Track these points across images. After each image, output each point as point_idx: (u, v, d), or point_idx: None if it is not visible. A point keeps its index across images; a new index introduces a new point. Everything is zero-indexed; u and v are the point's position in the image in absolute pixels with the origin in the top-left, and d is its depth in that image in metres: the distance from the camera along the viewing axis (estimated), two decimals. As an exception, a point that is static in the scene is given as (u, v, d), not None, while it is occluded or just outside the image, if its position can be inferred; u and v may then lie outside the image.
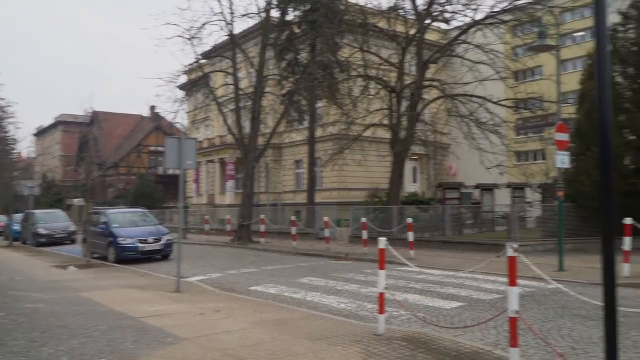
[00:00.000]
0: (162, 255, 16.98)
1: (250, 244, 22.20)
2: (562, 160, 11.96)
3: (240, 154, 25.55)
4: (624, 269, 10.48)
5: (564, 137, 12.02)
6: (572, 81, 22.71)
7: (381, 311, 6.31)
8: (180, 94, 25.99)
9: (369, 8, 22.37)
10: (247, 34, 30.07)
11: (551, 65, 20.70)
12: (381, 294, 6.38)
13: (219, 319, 7.45)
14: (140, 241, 16.50)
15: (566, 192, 14.08)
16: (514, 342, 4.79)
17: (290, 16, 25.67)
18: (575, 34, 32.10)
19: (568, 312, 7.74)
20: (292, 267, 14.34)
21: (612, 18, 17.53)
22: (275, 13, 24.84)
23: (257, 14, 23.55)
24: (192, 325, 7.02)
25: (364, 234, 17.52)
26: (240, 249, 21.21)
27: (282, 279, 11.92)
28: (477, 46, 20.70)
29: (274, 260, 16.27)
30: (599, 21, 3.52)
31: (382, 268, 6.43)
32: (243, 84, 28.63)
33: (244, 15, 23.48)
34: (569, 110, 19.40)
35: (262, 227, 22.77)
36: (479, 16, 20.74)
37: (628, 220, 10.91)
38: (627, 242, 10.70)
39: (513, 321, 4.78)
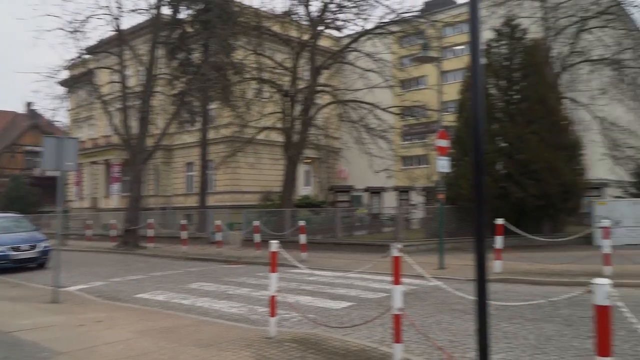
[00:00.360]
0: (38, 263, 15.67)
1: (138, 249, 21.24)
2: (443, 165, 12.76)
3: (128, 156, 24.36)
4: (496, 266, 11.38)
5: (444, 143, 12.82)
6: (452, 91, 24.31)
7: (272, 314, 6.32)
8: (61, 90, 24.20)
9: (264, 11, 22.41)
10: (137, 30, 28.75)
11: (434, 75, 22.06)
12: (272, 296, 6.39)
13: (101, 329, 7.03)
14: (13, 249, 15.12)
15: (447, 195, 15.01)
16: (397, 338, 5.02)
17: (182, 15, 24.94)
18: (455, 48, 34.50)
19: (447, 307, 8.26)
20: (181, 273, 13.91)
21: (487, 34, 19.08)
22: (166, 10, 24.06)
23: (147, 10, 22.65)
24: (71, 338, 6.56)
25: (257, 237, 17.46)
26: (126, 255, 20.20)
27: (171, 285, 11.52)
28: (367, 54, 21.54)
29: (163, 266, 15.69)
30: (474, 37, 3.81)
31: (273, 271, 6.45)
32: (131, 82, 27.32)
33: (132, 10, 22.47)
34: (449, 119, 20.75)
35: (151, 232, 21.88)
36: (369, 26, 21.66)
37: (500, 221, 11.84)
38: (498, 241, 11.63)
39: (397, 318, 5.01)
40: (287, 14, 22.13)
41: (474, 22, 3.84)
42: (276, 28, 22.52)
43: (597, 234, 14.49)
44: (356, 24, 22.01)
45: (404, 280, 5.76)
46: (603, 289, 3.20)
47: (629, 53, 22.46)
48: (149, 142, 23.90)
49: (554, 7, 22.04)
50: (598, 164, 24.51)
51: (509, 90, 17.89)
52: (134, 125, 23.18)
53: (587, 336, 6.30)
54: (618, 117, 26.67)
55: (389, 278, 5.44)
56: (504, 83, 17.99)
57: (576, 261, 12.20)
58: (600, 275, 9.76)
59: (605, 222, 11.12)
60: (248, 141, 22.97)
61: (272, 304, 6.36)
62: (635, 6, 22.04)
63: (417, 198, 26.97)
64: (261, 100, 22.53)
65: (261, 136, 23.50)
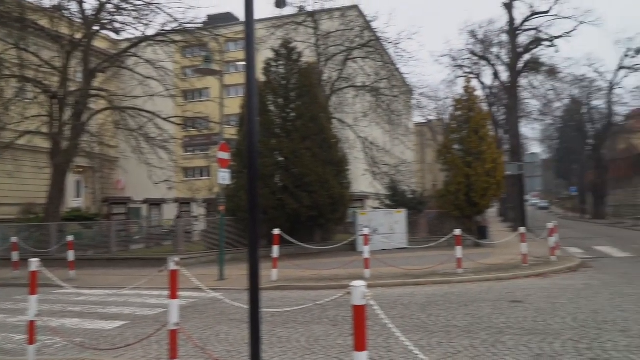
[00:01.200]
0: None
1: None
2: (224, 177, 12.96)
3: None
4: (273, 274, 11.94)
5: (225, 156, 13.04)
6: (234, 105, 24.88)
7: (31, 341, 5.67)
8: None
9: (29, 2, 20.00)
10: None
11: (216, 88, 22.30)
12: (31, 322, 5.73)
13: None
14: None
15: (227, 207, 15.26)
16: (173, 354, 4.95)
17: None
18: (238, 63, 35.46)
19: (226, 318, 8.39)
20: None
21: (267, 53, 20.08)
22: None
23: None
24: None
25: (15, 256, 15.37)
26: None
27: None
28: (147, 61, 20.78)
29: None
30: (249, 55, 4.02)
31: (33, 293, 5.80)
32: None
33: None
34: (231, 132, 21.23)
35: None
36: (150, 32, 20.89)
37: (276, 231, 12.47)
38: (275, 250, 12.23)
39: (173, 334, 4.95)
40: (58, 8, 20.11)
41: (249, 41, 4.04)
42: (44, 22, 20.27)
43: (359, 241, 16.27)
44: (136, 29, 21.04)
45: (184, 293, 5.73)
46: (359, 290, 3.60)
47: (384, 82, 25.91)
48: None
49: (325, 35, 24.33)
50: (361, 179, 27.58)
51: (286, 108, 18.99)
52: None
53: (350, 334, 7.02)
54: (376, 137, 30.54)
55: (167, 292, 5.34)
56: (282, 101, 19.06)
57: (342, 266, 13.48)
58: (361, 278, 10.97)
59: (365, 230, 12.56)
60: (6, 146, 20.09)
61: (31, 329, 5.70)
62: (390, 42, 25.56)
63: (198, 210, 26.75)
64: (23, 100, 19.99)
65: (22, 141, 20.80)
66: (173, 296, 5.04)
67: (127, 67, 21.80)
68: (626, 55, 38.69)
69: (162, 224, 23.03)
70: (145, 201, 24.70)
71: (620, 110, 42.92)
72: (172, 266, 5.12)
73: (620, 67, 39.35)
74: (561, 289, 9.72)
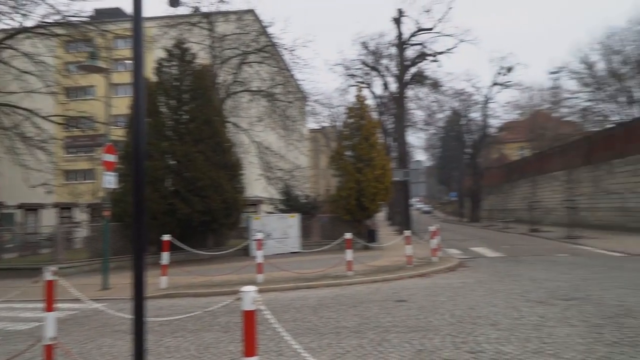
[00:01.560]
0: None
1: None
2: (110, 180, 12.31)
3: None
4: (162, 282, 11.54)
5: (111, 158, 12.39)
6: (123, 105, 23.74)
7: None
8: None
9: None
10: None
11: (103, 87, 21.17)
12: None
13: None
14: None
15: (114, 212, 14.51)
16: (50, 370, 4.63)
17: None
18: (126, 61, 33.86)
19: (110, 329, 7.97)
20: None
21: (159, 53, 19.42)
22: None
23: None
24: None
25: None
26: None
27: None
28: (25, 54, 19.27)
29: None
30: (137, 53, 3.87)
31: None
32: None
33: None
34: (119, 133, 20.20)
35: None
36: (29, 23, 19.37)
37: (166, 237, 12.07)
38: (165, 257, 11.82)
39: (49, 349, 4.63)
40: None
41: (137, 38, 3.91)
42: None
43: (253, 246, 16.23)
44: (13, 19, 19.39)
45: (63, 305, 5.35)
46: (249, 295, 3.61)
47: (280, 88, 26.11)
48: None
49: (221, 38, 24.02)
50: (255, 183, 27.51)
51: (179, 110, 18.46)
52: None
53: (241, 339, 6.97)
54: (271, 142, 30.67)
55: (43, 305, 4.97)
56: (174, 103, 18.48)
57: (235, 271, 13.35)
58: (254, 283, 10.94)
59: (259, 235, 12.54)
60: None
61: None
62: (286, 49, 25.81)
63: (81, 215, 25.11)
64: None
65: None
66: (49, 308, 4.71)
67: (1, 60, 20.01)
68: (499, 73, 42.23)
69: (39, 231, 21.35)
70: (20, 206, 22.79)
71: (494, 122, 46.79)
72: (48, 276, 4.78)
73: (494, 84, 42.90)
74: (441, 288, 10.36)
